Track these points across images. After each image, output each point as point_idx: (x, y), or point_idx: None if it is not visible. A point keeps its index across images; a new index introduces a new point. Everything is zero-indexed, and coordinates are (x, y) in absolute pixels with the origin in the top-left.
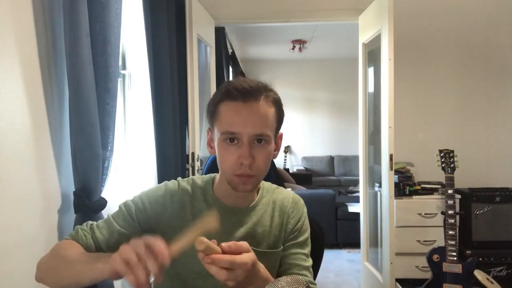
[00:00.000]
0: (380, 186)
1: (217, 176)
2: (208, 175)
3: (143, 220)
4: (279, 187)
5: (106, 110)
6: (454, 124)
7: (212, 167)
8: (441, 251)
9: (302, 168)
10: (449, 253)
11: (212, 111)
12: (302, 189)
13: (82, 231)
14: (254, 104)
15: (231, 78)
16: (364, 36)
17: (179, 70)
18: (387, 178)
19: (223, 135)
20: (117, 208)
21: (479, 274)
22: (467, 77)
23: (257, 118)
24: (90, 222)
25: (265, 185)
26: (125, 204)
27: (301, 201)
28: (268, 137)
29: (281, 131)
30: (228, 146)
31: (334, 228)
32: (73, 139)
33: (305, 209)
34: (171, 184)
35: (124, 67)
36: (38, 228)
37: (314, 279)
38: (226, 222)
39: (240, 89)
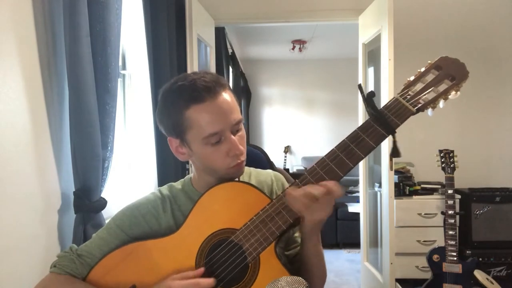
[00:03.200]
0: (380, 186)
1: (192, 175)
2: (186, 177)
3: (138, 233)
4: (254, 169)
5: (106, 110)
6: (454, 124)
7: None
8: (441, 251)
9: (302, 168)
10: (449, 253)
11: (177, 121)
12: None
13: (68, 258)
14: (220, 96)
15: (231, 78)
16: (364, 36)
17: (179, 71)
18: (387, 178)
19: (206, 139)
20: (115, 209)
21: (479, 274)
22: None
23: (229, 107)
24: (75, 247)
25: (244, 169)
26: (115, 220)
27: (282, 177)
28: (241, 120)
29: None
30: (213, 147)
31: (334, 228)
32: (73, 139)
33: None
34: (153, 195)
35: (124, 67)
36: (38, 228)
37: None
38: None
39: (203, 88)
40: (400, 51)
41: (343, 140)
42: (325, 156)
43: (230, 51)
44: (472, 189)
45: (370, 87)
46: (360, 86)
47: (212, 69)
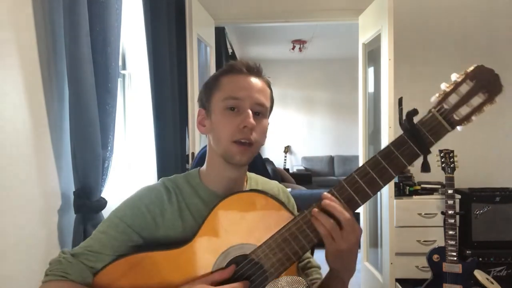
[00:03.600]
0: None
1: (203, 167)
2: (193, 169)
3: (140, 225)
4: (262, 177)
5: (106, 110)
6: None
7: (201, 163)
8: (441, 251)
9: (302, 168)
10: (449, 253)
11: (211, 85)
12: (302, 189)
13: (68, 262)
14: (256, 78)
15: None
16: (364, 36)
17: (179, 70)
18: None
19: (225, 101)
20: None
21: (479, 274)
22: None
23: (259, 88)
24: (66, 250)
25: (251, 175)
26: (116, 212)
27: (287, 191)
28: (266, 110)
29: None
30: (229, 114)
31: None
32: (73, 139)
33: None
34: (158, 185)
35: (124, 67)
36: (38, 228)
37: None
38: None
39: (245, 64)
40: (400, 51)
41: (374, 156)
42: (354, 172)
43: (230, 51)
44: (472, 189)
45: (370, 87)
46: (400, 100)
47: (212, 69)
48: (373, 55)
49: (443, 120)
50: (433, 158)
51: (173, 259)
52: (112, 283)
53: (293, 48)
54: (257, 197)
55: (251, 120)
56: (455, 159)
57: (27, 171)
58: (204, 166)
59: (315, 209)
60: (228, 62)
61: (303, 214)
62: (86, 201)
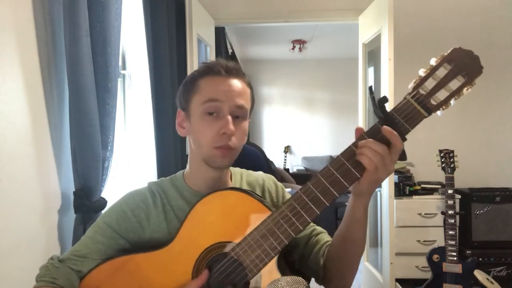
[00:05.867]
0: (380, 186)
1: (186, 170)
2: (179, 172)
3: (126, 228)
4: (246, 170)
5: (106, 110)
6: (454, 124)
7: None
8: (441, 251)
9: (302, 168)
10: (449, 253)
11: (189, 87)
12: None
13: (45, 268)
14: (236, 79)
15: None
16: (364, 36)
17: (179, 70)
18: (387, 178)
19: (204, 104)
20: None
21: (479, 274)
22: None
23: (239, 91)
24: (55, 255)
25: (235, 170)
26: (103, 217)
27: (273, 177)
28: (246, 112)
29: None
30: (208, 119)
31: (334, 228)
32: (73, 139)
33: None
34: (143, 189)
35: (124, 67)
36: (38, 228)
37: None
38: None
39: (223, 65)
40: (400, 51)
41: (349, 147)
42: (329, 164)
43: (230, 51)
44: (472, 189)
45: None
46: (370, 88)
47: None
48: (373, 55)
49: (418, 105)
50: (433, 158)
51: (155, 260)
52: (97, 286)
53: (293, 48)
54: (235, 195)
55: (231, 126)
56: (455, 159)
57: (27, 171)
58: (188, 169)
59: (363, 141)
60: (205, 63)
61: (280, 210)
62: (86, 201)
